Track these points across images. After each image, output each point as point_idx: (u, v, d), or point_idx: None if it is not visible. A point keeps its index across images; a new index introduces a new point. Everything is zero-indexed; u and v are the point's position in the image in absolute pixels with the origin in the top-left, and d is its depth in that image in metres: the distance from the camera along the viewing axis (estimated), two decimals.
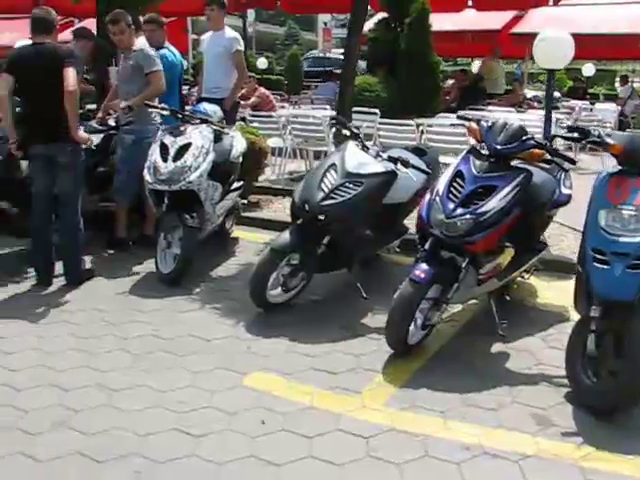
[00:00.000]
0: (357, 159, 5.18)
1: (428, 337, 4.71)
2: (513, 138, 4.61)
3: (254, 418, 3.84)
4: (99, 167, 6.86)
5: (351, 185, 5.04)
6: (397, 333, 4.44)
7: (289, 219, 7.41)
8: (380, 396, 4.11)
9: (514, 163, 4.73)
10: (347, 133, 5.52)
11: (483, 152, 4.66)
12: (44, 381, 4.24)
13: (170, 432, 3.70)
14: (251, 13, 34.37)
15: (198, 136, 5.95)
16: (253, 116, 9.98)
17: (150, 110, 6.27)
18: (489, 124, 4.76)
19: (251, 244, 7.00)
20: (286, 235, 5.09)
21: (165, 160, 5.81)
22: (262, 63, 21.37)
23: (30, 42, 5.79)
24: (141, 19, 7.38)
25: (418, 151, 6.09)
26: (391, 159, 5.20)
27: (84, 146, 5.79)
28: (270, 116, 10.22)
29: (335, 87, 14.87)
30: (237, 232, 7.26)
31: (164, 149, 5.90)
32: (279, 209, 8.03)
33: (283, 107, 13.02)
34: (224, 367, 4.42)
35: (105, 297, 5.60)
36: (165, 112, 6.18)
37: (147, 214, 6.67)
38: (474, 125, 4.85)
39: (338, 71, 17.51)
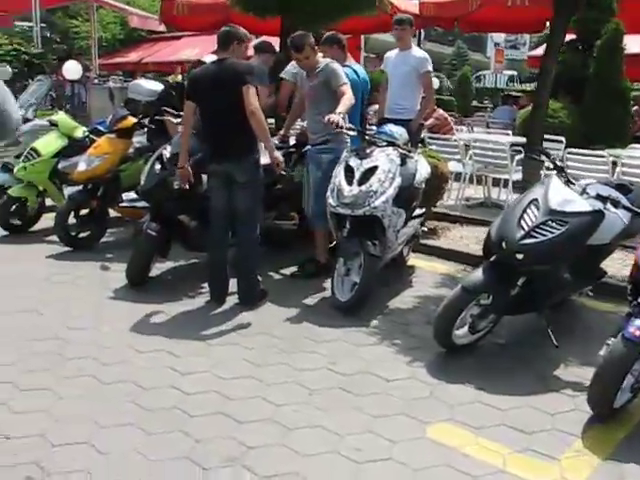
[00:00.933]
0: (562, 195, 4.70)
1: (634, 400, 4.17)
2: None
3: (440, 477, 3.48)
4: (276, 185, 6.72)
5: (554, 224, 4.56)
6: (603, 396, 3.93)
7: (468, 250, 7.11)
8: (582, 467, 3.63)
9: None
10: (550, 165, 5.05)
11: None
12: (217, 409, 4.05)
13: None
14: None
15: (385, 159, 5.65)
16: (431, 138, 9.61)
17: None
18: None
19: (428, 274, 6.64)
20: (479, 273, 4.68)
21: (350, 183, 5.55)
22: (434, 83, 20.89)
23: (214, 58, 5.79)
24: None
25: (621, 188, 5.52)
26: (599, 197, 4.68)
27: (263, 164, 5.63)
28: (448, 139, 9.82)
29: (512, 111, 14.34)
30: (413, 260, 6.92)
31: (349, 171, 5.64)
32: (456, 238, 7.62)
33: (458, 130, 12.58)
34: (405, 413, 4.07)
35: (278, 322, 5.40)
36: (352, 132, 5.92)
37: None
38: None
39: (515, 94, 17.01)
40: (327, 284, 6.12)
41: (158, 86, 8.59)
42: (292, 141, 6.98)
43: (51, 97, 10.45)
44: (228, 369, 4.57)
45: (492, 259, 4.76)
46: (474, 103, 24.35)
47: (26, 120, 8.65)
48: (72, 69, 11.42)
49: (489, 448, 3.75)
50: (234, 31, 5.67)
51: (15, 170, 7.82)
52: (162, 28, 19.37)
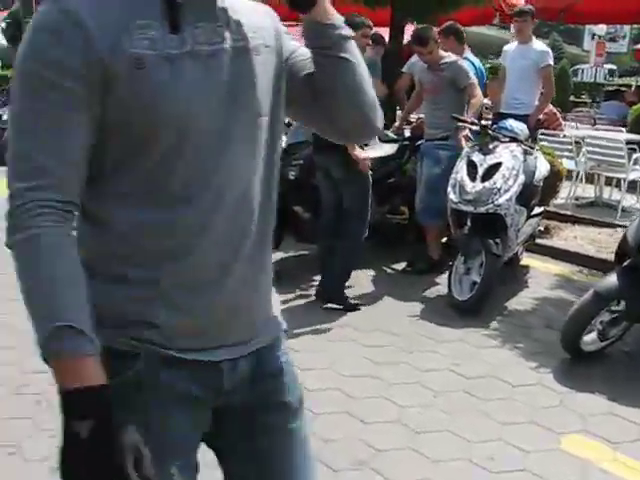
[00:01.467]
0: None
1: None
2: None
3: None
4: (390, 178, 6.60)
5: None
6: None
7: (583, 250, 6.85)
8: None
9: None
10: None
11: None
12: (342, 408, 3.98)
13: None
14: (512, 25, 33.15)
15: (509, 156, 5.47)
16: (542, 134, 9.30)
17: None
18: None
19: (543, 275, 6.41)
20: (613, 278, 4.46)
21: (473, 179, 5.39)
22: None
23: None
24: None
25: None
26: None
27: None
28: (557, 135, 9.49)
29: (621, 107, 13.81)
30: (526, 259, 6.69)
31: (472, 167, 5.48)
32: (569, 238, 7.35)
33: (565, 125, 12.16)
34: (535, 422, 3.90)
35: (394, 318, 5.28)
36: (475, 127, 5.75)
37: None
38: None
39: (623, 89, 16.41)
40: (439, 280, 6.01)
41: None
42: (407, 133, 6.84)
43: None
44: (348, 366, 4.48)
45: (627, 264, 4.54)
46: (571, 98, 23.65)
47: None
48: None
49: (629, 466, 3.55)
50: (346, 19, 5.52)
51: None
52: None
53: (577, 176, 8.82)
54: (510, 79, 7.41)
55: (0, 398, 3.98)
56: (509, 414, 3.97)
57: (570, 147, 8.91)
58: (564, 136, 9.34)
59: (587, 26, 40.84)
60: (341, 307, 5.40)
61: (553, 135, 9.40)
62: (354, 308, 5.43)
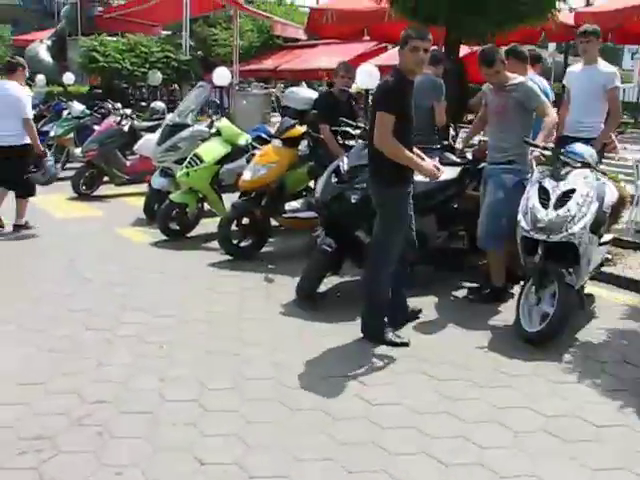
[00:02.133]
0: None
1: None
2: None
3: None
4: (452, 202, 6.40)
5: None
6: None
7: None
8: None
9: None
10: None
11: None
12: (419, 448, 3.76)
13: None
14: (552, 43, 32.96)
15: (582, 182, 5.22)
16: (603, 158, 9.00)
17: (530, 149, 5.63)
18: None
19: (611, 305, 6.13)
20: None
21: (545, 206, 5.16)
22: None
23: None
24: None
25: None
26: None
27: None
28: (612, 158, 9.18)
29: None
30: (590, 288, 6.42)
31: (544, 193, 5.25)
32: (635, 266, 7.07)
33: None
34: (627, 468, 3.65)
35: (461, 350, 5.05)
36: (547, 152, 5.51)
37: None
38: None
39: None
40: (503, 308, 5.84)
41: (313, 94, 8.47)
42: (469, 156, 6.66)
43: (215, 103, 10.47)
44: (421, 402, 4.26)
45: None
46: None
47: (186, 126, 8.64)
48: (222, 75, 11.44)
49: None
50: (402, 34, 5.17)
51: (177, 175, 7.81)
52: (300, 35, 19.43)
53: (637, 201, 8.51)
54: (575, 102, 7.10)
55: (60, 430, 3.84)
56: (598, 459, 3.71)
57: (629, 170, 8.62)
58: (618, 159, 9.04)
59: (626, 45, 40.44)
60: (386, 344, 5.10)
61: (608, 158, 9.12)
62: (397, 344, 5.10)
